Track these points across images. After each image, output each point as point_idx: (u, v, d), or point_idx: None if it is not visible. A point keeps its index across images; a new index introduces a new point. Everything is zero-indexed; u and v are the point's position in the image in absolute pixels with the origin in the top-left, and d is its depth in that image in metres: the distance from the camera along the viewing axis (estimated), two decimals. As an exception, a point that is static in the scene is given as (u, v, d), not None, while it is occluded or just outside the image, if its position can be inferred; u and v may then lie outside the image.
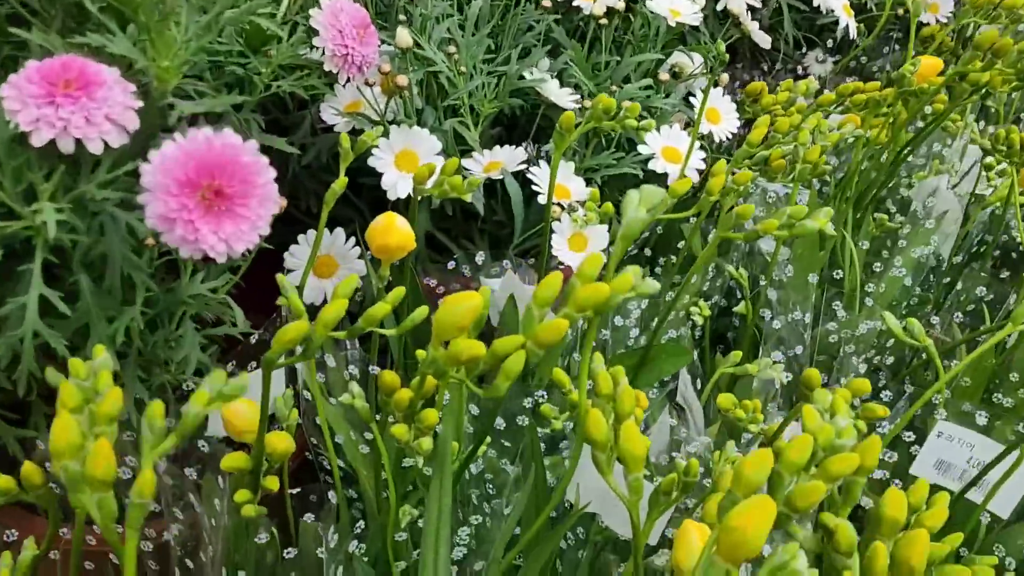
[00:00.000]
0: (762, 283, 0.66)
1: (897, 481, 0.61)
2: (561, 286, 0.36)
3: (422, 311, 0.38)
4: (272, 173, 0.42)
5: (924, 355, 0.64)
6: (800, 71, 1.11)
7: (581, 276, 0.36)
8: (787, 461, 0.33)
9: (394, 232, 0.46)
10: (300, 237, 0.66)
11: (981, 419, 0.55)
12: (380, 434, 0.43)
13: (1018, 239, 0.69)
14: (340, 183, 0.53)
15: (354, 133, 0.63)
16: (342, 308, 0.39)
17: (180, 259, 0.52)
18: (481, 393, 0.36)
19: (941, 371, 0.57)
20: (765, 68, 1.06)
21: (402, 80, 0.58)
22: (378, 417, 0.44)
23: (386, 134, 0.59)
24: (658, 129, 0.73)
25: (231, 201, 0.41)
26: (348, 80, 0.56)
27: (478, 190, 0.69)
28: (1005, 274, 0.69)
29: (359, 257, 0.65)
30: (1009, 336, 0.68)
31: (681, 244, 0.74)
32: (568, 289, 0.36)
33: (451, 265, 0.68)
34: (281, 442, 0.46)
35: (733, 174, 0.58)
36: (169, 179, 0.42)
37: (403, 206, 0.72)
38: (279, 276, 0.44)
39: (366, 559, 0.47)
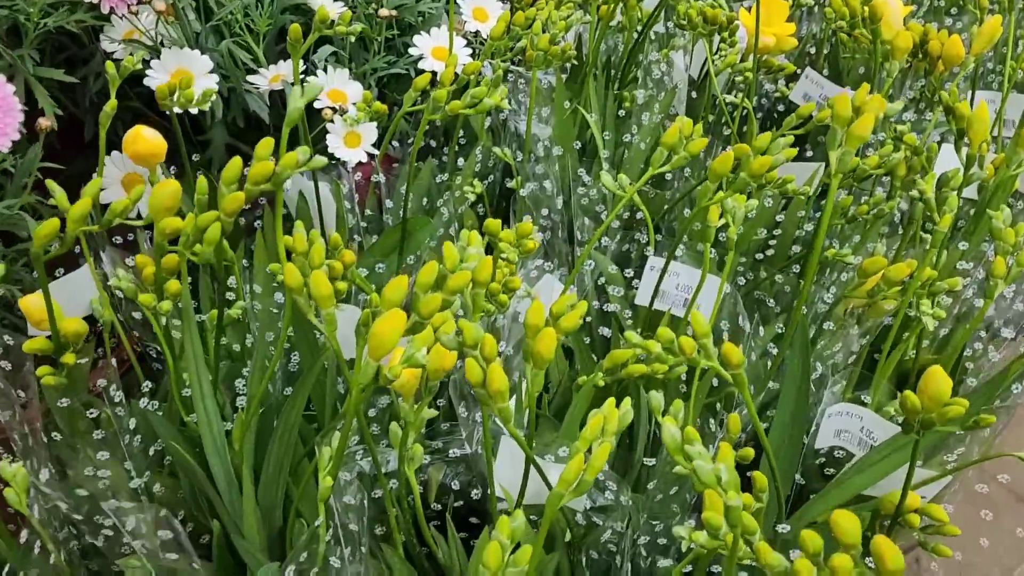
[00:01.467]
0: (519, 159, 0.77)
1: (629, 312, 0.73)
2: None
3: (122, 203, 0.47)
4: (10, 88, 0.51)
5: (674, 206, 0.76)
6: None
7: (256, 157, 0.46)
8: (419, 283, 0.44)
9: (141, 141, 0.55)
10: (106, 159, 0.74)
11: (679, 252, 0.68)
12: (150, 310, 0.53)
13: (733, 100, 0.80)
14: (111, 105, 0.61)
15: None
16: (87, 206, 0.48)
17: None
18: (196, 259, 0.47)
19: (648, 215, 0.69)
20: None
21: (159, 5, 0.65)
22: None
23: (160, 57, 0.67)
24: (428, 31, 0.82)
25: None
26: (111, 11, 0.64)
27: (265, 101, 0.77)
28: (727, 131, 0.81)
29: (163, 172, 0.73)
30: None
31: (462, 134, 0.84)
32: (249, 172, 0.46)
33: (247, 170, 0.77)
34: (71, 325, 0.56)
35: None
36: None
37: (205, 122, 0.81)
38: (48, 182, 0.53)
39: (160, 413, 0.57)
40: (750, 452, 0.49)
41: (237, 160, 0.45)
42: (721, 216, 0.63)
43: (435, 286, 0.45)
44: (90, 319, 0.63)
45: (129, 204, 0.50)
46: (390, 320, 0.42)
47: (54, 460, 0.61)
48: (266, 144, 0.45)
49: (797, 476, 0.61)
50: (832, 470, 0.62)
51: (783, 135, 0.57)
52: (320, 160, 0.47)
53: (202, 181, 0.49)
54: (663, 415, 0.45)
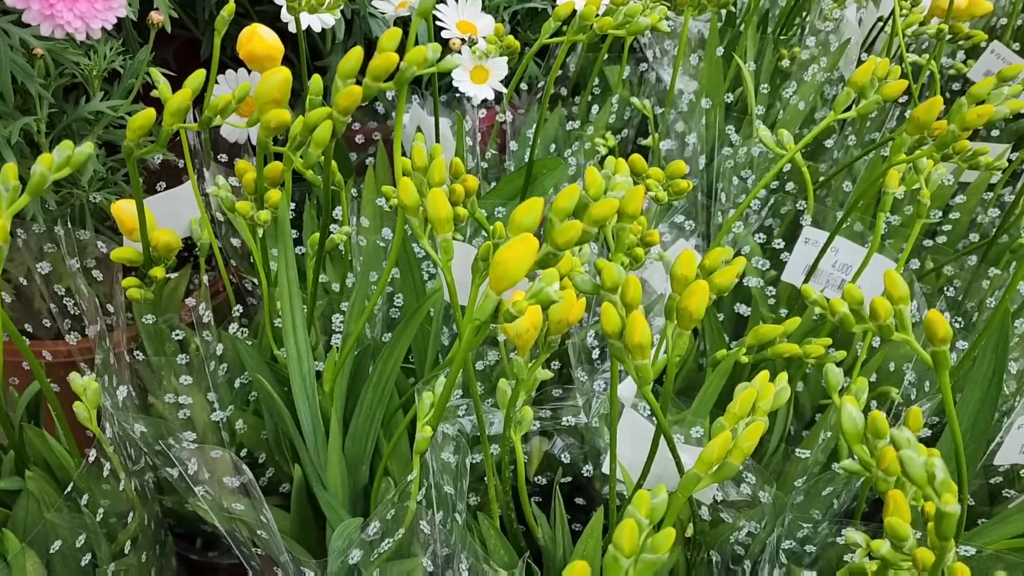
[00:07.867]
0: (659, 111, 0.69)
1: (771, 288, 0.65)
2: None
3: (224, 98, 0.42)
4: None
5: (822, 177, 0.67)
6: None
7: (380, 48, 0.39)
8: (556, 207, 0.37)
9: (256, 40, 0.49)
10: (220, 77, 0.70)
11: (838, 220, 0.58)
12: (244, 222, 0.47)
13: (918, 60, 0.70)
14: (228, 9, 0.56)
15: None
16: (186, 98, 0.43)
17: (86, 80, 0.57)
18: (299, 163, 0.41)
19: (807, 179, 0.60)
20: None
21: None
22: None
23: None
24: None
25: (84, -16, 0.45)
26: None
27: (389, 26, 0.72)
28: (903, 98, 0.71)
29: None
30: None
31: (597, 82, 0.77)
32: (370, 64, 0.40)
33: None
34: (163, 236, 0.51)
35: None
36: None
37: (324, 48, 0.76)
38: (152, 69, 0.48)
39: (250, 342, 0.52)
40: (936, 452, 0.40)
41: (358, 50, 0.39)
42: (901, 182, 0.54)
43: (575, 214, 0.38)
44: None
45: (232, 101, 0.45)
46: (520, 245, 0.35)
47: (136, 384, 0.57)
48: (392, 35, 0.39)
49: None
50: (1011, 492, 0.52)
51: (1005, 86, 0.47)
52: (452, 62, 0.40)
53: (316, 80, 0.43)
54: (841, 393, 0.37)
